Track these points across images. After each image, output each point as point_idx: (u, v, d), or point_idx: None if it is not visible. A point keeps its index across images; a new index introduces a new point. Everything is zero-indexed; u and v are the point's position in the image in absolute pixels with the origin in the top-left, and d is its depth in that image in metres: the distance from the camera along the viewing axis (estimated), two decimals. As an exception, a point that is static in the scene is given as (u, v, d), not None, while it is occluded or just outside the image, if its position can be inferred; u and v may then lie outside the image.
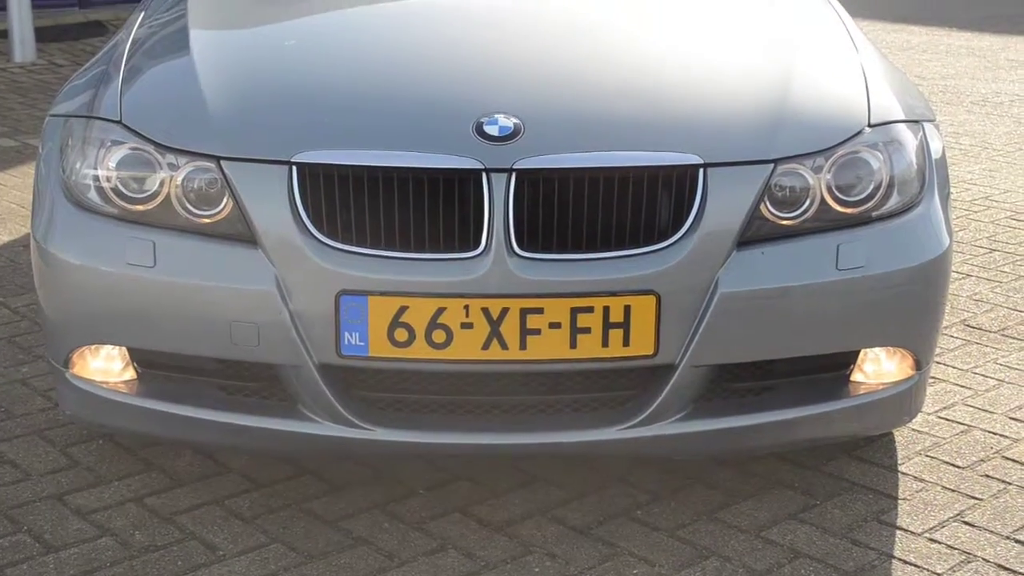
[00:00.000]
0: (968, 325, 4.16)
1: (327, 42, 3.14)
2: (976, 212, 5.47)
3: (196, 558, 2.75)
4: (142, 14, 3.52)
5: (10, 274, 4.52)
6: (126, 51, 3.13)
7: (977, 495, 3.05)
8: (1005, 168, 6.28)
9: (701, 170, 2.61)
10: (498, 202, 2.54)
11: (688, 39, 3.21)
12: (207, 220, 2.65)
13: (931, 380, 3.60)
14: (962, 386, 3.68)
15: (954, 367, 3.81)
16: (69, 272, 2.73)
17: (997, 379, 3.73)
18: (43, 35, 9.30)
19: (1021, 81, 8.76)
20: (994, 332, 4.10)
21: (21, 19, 8.92)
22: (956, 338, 4.04)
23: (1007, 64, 9.48)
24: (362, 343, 2.57)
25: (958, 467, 3.18)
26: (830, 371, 2.83)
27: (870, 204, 2.76)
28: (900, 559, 2.78)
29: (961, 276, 4.61)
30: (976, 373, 3.77)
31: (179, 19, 3.31)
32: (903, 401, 2.88)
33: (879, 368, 2.84)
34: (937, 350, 2.99)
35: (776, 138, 2.70)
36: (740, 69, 2.95)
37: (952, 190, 3.03)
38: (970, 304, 4.35)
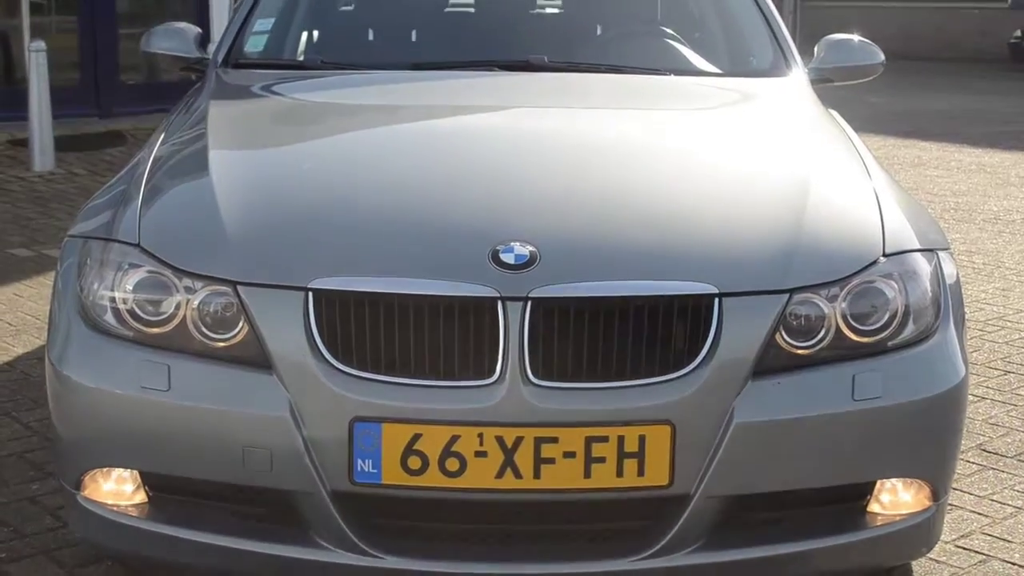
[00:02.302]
0: (984, 450, 4.13)
1: (345, 166, 3.16)
2: (990, 333, 5.46)
3: None
4: (163, 133, 3.56)
5: (23, 388, 4.52)
6: (146, 171, 3.15)
7: (997, 628, 3.00)
8: (1019, 287, 6.28)
9: (716, 299, 2.61)
10: (513, 330, 2.54)
11: (703, 166, 3.23)
12: (222, 344, 2.65)
13: (948, 507, 3.56)
14: (979, 513, 3.64)
15: (971, 493, 3.77)
16: (83, 394, 2.73)
17: (1015, 506, 3.69)
18: (63, 144, 9.42)
19: (1032, 199, 8.81)
20: (1010, 457, 4.07)
21: (41, 128, 9.05)
22: (972, 463, 4.00)
23: (1018, 181, 9.54)
24: (375, 470, 2.55)
25: (977, 599, 3.14)
26: (846, 502, 2.80)
27: (886, 333, 2.75)
28: None
29: (976, 399, 4.59)
30: (993, 500, 3.74)
31: (199, 139, 3.35)
32: (920, 533, 2.85)
33: (896, 499, 2.82)
34: (954, 476, 2.97)
35: (791, 267, 2.71)
36: (755, 197, 2.97)
37: (965, 310, 3.03)
38: (986, 428, 4.32)
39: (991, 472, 3.94)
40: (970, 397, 4.52)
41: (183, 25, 4.36)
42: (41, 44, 9.18)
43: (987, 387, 4.74)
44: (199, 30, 4.36)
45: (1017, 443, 4.19)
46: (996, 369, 4.97)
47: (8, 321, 5.41)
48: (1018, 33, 21.20)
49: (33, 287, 5.97)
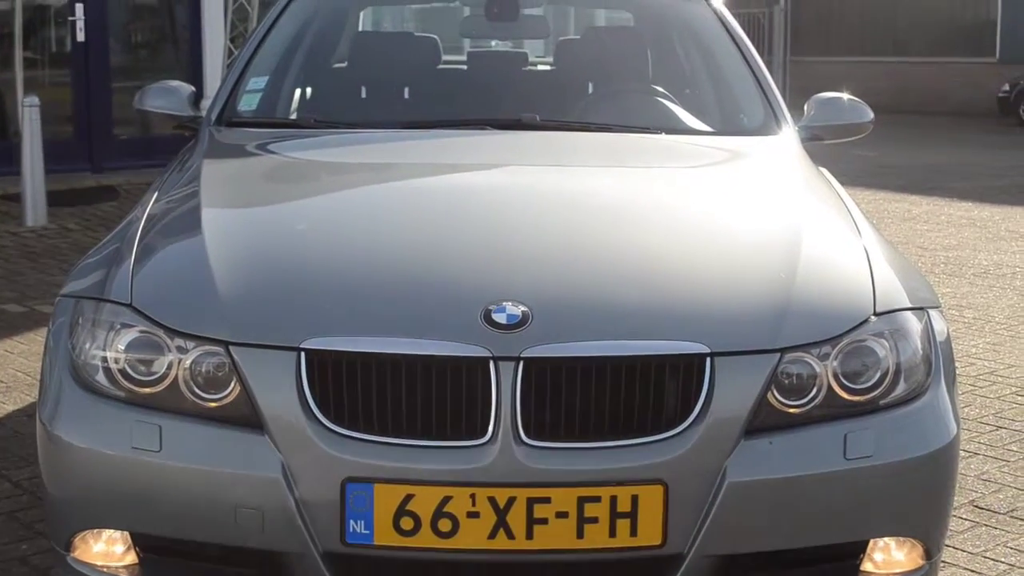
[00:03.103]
0: (977, 506, 4.12)
1: (337, 226, 3.17)
2: (981, 388, 5.47)
3: None
4: (156, 192, 3.56)
5: (13, 445, 4.50)
6: (139, 230, 3.15)
7: None
8: (1009, 342, 6.29)
9: (708, 359, 2.62)
10: (505, 390, 2.55)
11: (694, 225, 3.24)
12: (214, 404, 2.65)
13: (941, 564, 3.55)
14: (972, 571, 3.63)
15: (963, 550, 3.77)
16: (74, 455, 2.73)
17: (1008, 563, 3.68)
18: (55, 199, 9.44)
19: (1023, 253, 8.83)
20: (1003, 514, 4.06)
21: (34, 183, 9.07)
22: (965, 520, 4.00)
23: (1008, 235, 9.58)
24: (367, 531, 2.55)
25: (971, 658, 3.12)
26: (840, 560, 2.80)
27: (877, 392, 2.76)
28: None
29: (968, 455, 4.58)
30: (986, 557, 3.73)
31: (192, 198, 3.36)
32: (914, 591, 2.84)
33: (889, 558, 2.81)
34: (947, 534, 2.97)
35: (783, 327, 2.72)
36: (745, 256, 2.98)
37: (956, 365, 3.04)
38: (978, 484, 4.32)
39: (984, 529, 3.94)
40: (962, 453, 4.52)
41: (176, 83, 4.38)
42: (35, 99, 9.22)
43: (979, 442, 4.74)
44: (192, 88, 4.38)
45: (1009, 499, 4.19)
46: (988, 424, 4.97)
47: (-1, 378, 5.40)
48: (1006, 87, 21.37)
49: (24, 343, 5.96)
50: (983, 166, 14.50)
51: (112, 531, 2.75)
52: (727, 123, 4.26)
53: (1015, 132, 19.70)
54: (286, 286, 2.80)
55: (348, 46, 4.86)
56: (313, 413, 2.57)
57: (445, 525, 2.53)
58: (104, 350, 2.75)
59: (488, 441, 2.54)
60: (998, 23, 24.00)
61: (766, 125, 4.09)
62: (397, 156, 3.85)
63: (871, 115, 4.28)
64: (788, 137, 4.04)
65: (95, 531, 2.75)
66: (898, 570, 2.81)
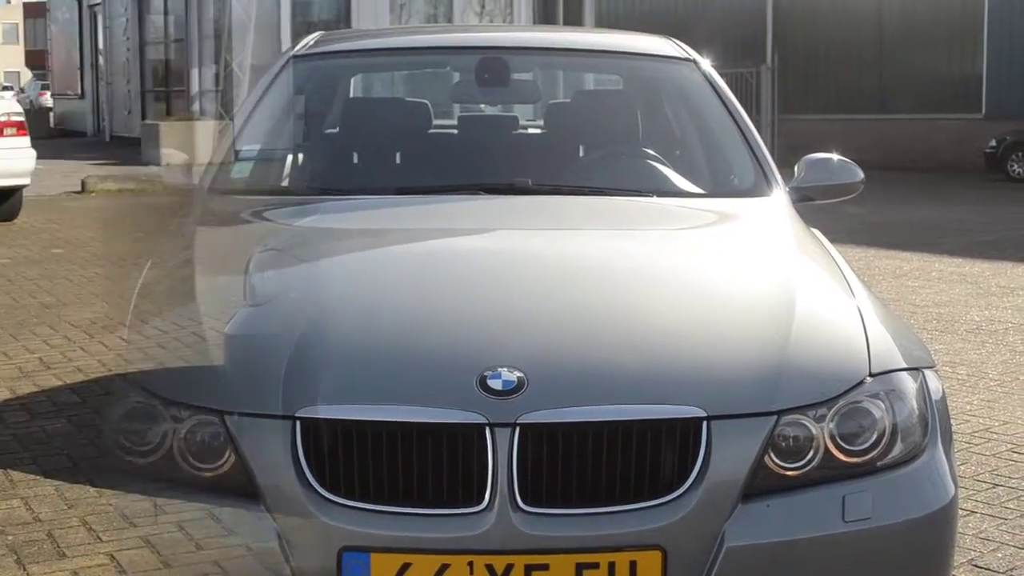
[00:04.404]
0: (975, 565, 4.10)
1: (331, 293, 3.16)
2: (976, 445, 5.46)
3: None
4: (151, 261, 3.57)
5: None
6: (133, 299, 3.16)
7: None
8: (1003, 399, 6.29)
9: (705, 423, 2.62)
10: (502, 457, 2.54)
11: (688, 288, 3.24)
12: (209, 474, 2.64)
13: (942, 626, 3.53)
14: (973, 631, 3.61)
15: (964, 611, 3.75)
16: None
17: (1009, 623, 3.66)
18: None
19: (1014, 308, 8.85)
20: (1002, 573, 4.04)
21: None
22: (964, 580, 3.98)
23: (999, 291, 9.60)
24: (364, 601, 2.53)
25: None
26: (840, 624, 2.78)
27: (874, 453, 2.76)
28: None
29: (965, 513, 4.56)
30: (987, 618, 3.71)
31: (185, 267, 3.36)
32: (915, 655, 2.82)
33: (890, 620, 2.80)
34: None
35: (779, 389, 2.72)
36: (740, 319, 2.98)
37: (951, 422, 3.04)
38: (976, 543, 4.30)
39: (984, 589, 3.92)
40: (959, 511, 4.52)
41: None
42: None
43: (976, 501, 4.73)
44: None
45: (1008, 558, 4.17)
46: (984, 482, 4.95)
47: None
48: (993, 143, 21.52)
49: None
50: (972, 222, 14.57)
51: (107, 604, 2.74)
52: (718, 185, 4.28)
53: (1002, 187, 19.81)
54: (280, 355, 2.79)
55: (340, 112, 4.88)
56: (309, 482, 2.56)
57: (443, 593, 2.52)
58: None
59: (485, 508, 2.54)
60: (983, 79, 24.20)
61: (757, 186, 4.10)
62: (390, 222, 3.85)
63: (861, 175, 4.30)
64: (779, 198, 4.04)
65: (89, 604, 2.74)
66: (899, 633, 2.80)
